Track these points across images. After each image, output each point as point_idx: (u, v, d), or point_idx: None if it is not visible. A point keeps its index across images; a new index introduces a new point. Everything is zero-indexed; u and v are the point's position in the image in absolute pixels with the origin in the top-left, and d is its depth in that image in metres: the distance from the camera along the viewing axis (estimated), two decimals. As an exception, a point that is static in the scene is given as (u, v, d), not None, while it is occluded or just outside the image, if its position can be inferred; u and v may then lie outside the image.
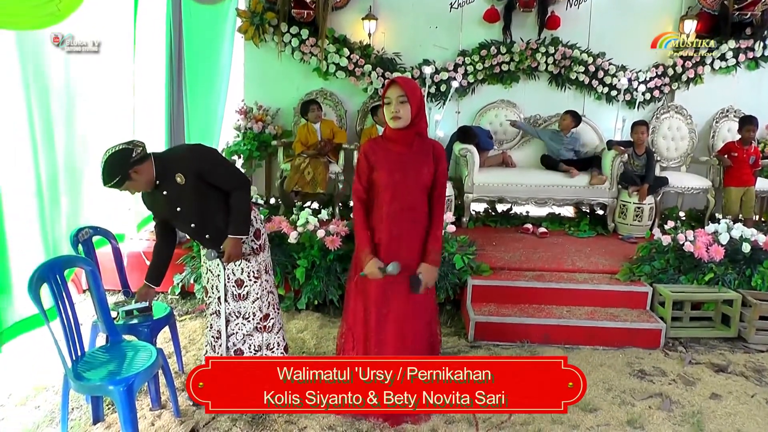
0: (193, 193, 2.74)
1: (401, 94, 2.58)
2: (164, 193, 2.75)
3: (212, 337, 3.09)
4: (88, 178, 4.04)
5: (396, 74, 6.08)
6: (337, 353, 3.06)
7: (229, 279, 2.99)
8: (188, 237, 3.03)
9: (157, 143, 4.71)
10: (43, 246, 3.50)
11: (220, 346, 3.04)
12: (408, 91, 2.59)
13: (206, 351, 3.14)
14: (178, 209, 2.78)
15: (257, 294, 3.02)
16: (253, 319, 3.04)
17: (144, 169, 2.64)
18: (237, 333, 3.05)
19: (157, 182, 2.72)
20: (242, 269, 2.98)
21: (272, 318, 3.10)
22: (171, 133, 4.52)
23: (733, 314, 3.99)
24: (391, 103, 2.60)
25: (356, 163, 2.77)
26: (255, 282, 3.01)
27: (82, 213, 4.00)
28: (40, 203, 3.47)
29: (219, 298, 3.02)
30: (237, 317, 3.04)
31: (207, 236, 2.88)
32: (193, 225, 2.84)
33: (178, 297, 4.52)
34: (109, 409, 2.94)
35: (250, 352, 3.06)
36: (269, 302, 3.08)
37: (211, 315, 3.09)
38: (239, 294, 3.01)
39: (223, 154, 5.26)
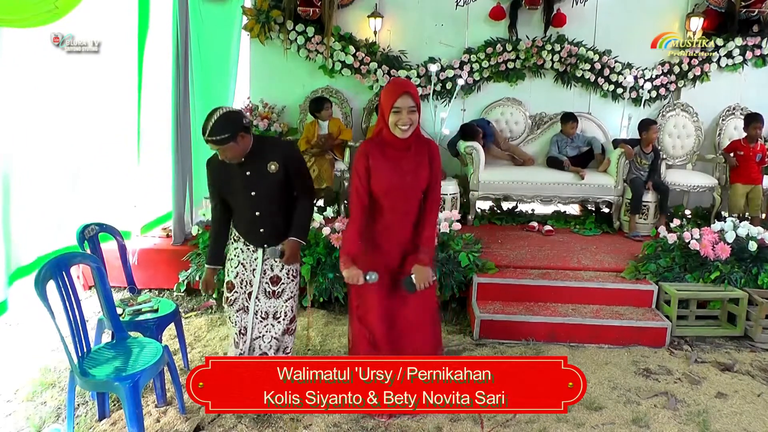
0: (276, 184, 2.79)
1: (412, 105, 2.52)
2: (247, 173, 2.77)
3: (236, 333, 3.01)
4: (85, 177, 4.05)
5: (400, 74, 6.08)
6: (351, 349, 3.02)
7: (265, 274, 2.95)
8: (237, 226, 2.97)
9: (163, 140, 4.73)
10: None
11: (245, 342, 2.99)
12: (417, 100, 2.55)
13: (230, 347, 3.07)
14: (253, 193, 2.80)
15: (291, 293, 3.00)
16: (284, 319, 2.99)
17: (246, 140, 2.70)
18: (265, 335, 3.00)
19: (243, 159, 2.75)
20: (282, 266, 2.95)
21: (295, 321, 3.09)
22: (177, 131, 4.52)
23: (740, 313, 3.97)
24: (401, 112, 2.51)
25: (354, 162, 2.68)
26: (292, 281, 2.99)
27: (86, 210, 4.01)
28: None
29: (250, 293, 2.97)
30: (267, 317, 2.99)
31: (262, 230, 2.87)
32: (258, 213, 2.84)
33: (183, 294, 4.53)
34: (114, 405, 2.95)
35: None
36: (295, 304, 3.07)
37: (237, 311, 3.00)
38: (273, 291, 2.96)
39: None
